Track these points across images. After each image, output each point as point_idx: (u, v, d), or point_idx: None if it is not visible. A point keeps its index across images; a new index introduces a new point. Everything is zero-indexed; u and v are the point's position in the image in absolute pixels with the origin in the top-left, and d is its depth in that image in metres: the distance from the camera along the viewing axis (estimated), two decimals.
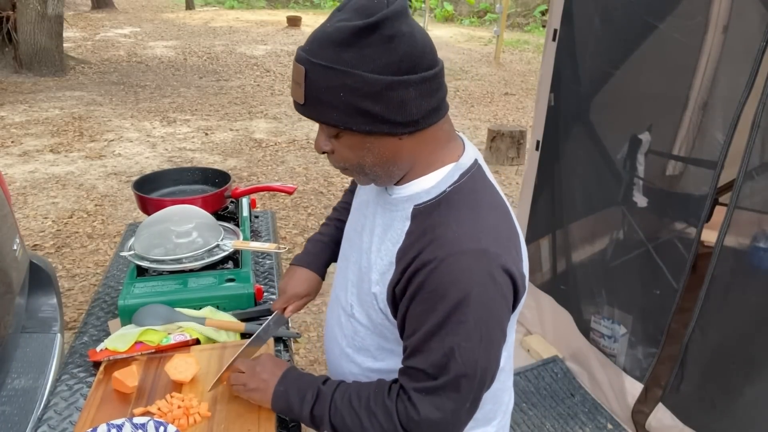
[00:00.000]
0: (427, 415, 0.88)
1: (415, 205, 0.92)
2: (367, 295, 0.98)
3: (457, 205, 0.89)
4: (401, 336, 0.94)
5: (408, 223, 0.92)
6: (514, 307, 0.91)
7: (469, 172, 0.92)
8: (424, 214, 0.91)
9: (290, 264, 1.30)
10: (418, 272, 0.86)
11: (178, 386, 1.17)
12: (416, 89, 0.82)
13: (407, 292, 0.88)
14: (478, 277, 0.83)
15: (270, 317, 1.24)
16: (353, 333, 1.04)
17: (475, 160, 0.95)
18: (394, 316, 0.94)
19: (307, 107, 0.84)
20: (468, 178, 0.92)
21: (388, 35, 0.79)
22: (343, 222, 1.27)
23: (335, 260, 1.29)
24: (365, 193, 1.07)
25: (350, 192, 1.33)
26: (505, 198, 0.97)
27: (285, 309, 1.24)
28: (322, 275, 1.29)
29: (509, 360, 1.08)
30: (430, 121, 0.87)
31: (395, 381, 0.95)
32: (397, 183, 0.95)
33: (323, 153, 0.92)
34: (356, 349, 1.05)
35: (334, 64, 0.79)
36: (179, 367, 1.17)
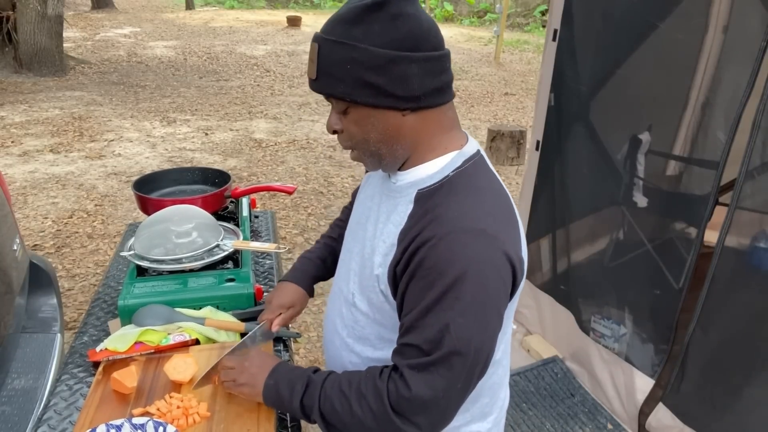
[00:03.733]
0: (418, 392, 0.88)
1: (419, 190, 0.95)
2: (369, 279, 1.00)
3: (458, 188, 0.92)
4: (399, 316, 0.95)
5: (411, 206, 0.95)
6: (512, 293, 0.92)
7: (471, 160, 0.95)
8: (426, 198, 0.94)
9: (278, 281, 1.31)
10: (418, 250, 0.88)
11: (177, 386, 1.17)
12: (419, 66, 0.86)
13: (407, 270, 0.90)
14: (476, 256, 0.85)
15: (256, 327, 1.23)
16: (354, 322, 1.05)
17: (478, 150, 0.98)
18: (394, 296, 0.96)
19: (318, 81, 0.90)
20: (471, 165, 0.95)
21: (393, 13, 0.85)
22: (333, 239, 1.33)
23: (323, 278, 1.33)
24: (371, 187, 1.10)
25: (347, 208, 1.35)
26: (506, 187, 0.99)
27: (272, 323, 1.24)
28: (308, 290, 1.30)
29: (506, 356, 1.09)
30: (433, 101, 0.91)
31: (386, 366, 0.95)
32: (401, 168, 0.98)
33: (334, 132, 0.97)
34: (356, 338, 1.06)
35: (343, 39, 0.86)
36: (178, 368, 1.17)
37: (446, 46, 0.92)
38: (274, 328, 1.23)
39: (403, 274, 0.91)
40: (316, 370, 1.02)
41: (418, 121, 0.92)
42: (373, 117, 0.90)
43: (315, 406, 0.96)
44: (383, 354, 1.03)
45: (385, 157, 0.95)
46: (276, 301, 1.25)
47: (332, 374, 0.99)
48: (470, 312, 0.86)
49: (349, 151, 0.99)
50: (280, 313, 1.24)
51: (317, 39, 0.89)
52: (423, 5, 14.42)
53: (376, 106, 0.89)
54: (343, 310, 1.08)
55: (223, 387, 1.11)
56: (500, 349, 1.03)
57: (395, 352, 0.93)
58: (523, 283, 0.95)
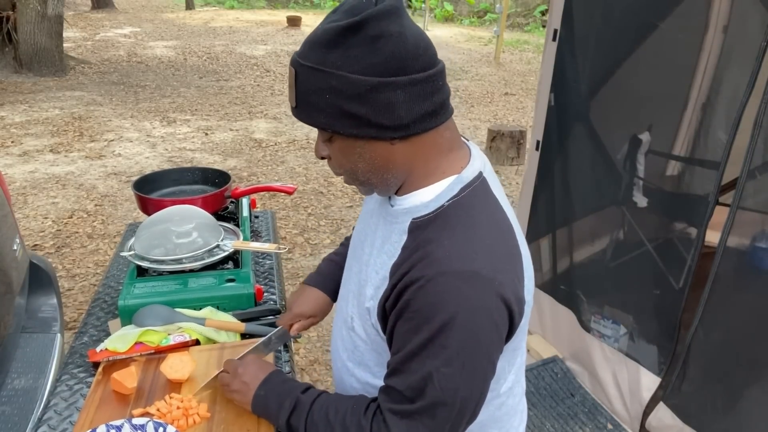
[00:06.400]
0: None
1: (413, 219, 0.88)
2: (362, 309, 0.96)
3: (453, 222, 0.85)
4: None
5: (405, 237, 0.89)
6: (510, 335, 0.87)
7: (470, 186, 0.87)
8: (420, 229, 0.87)
9: (302, 283, 1.29)
10: (406, 290, 0.83)
11: (177, 387, 1.17)
12: (405, 92, 0.79)
13: (395, 309, 0.86)
14: (465, 301, 0.79)
15: (273, 331, 1.23)
16: (353, 347, 1.01)
17: (480, 173, 0.90)
18: (384, 332, 0.92)
19: (298, 110, 0.84)
20: (468, 193, 0.87)
21: (372, 35, 0.77)
22: None
23: None
24: (371, 202, 1.04)
25: None
26: (511, 215, 0.92)
27: (291, 326, 1.23)
28: (333, 295, 1.25)
29: (518, 384, 1.04)
30: (425, 126, 0.83)
31: (375, 399, 0.93)
32: (398, 193, 0.92)
33: (322, 158, 0.91)
34: (356, 363, 1.02)
35: (320, 65, 0.78)
36: (175, 366, 1.17)
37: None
38: (293, 333, 1.21)
39: (392, 311, 0.87)
40: (307, 389, 0.99)
41: (410, 147, 0.84)
42: (359, 147, 0.84)
43: (301, 427, 0.94)
44: (382, 381, 0.99)
45: (376, 185, 0.90)
46: (297, 308, 1.22)
47: (321, 396, 0.97)
48: (457, 361, 0.81)
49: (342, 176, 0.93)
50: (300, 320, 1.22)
51: (294, 64, 0.82)
52: (423, 5, 14.45)
53: (360, 137, 0.82)
54: (343, 332, 1.04)
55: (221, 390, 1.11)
56: (508, 380, 0.98)
57: (381, 391, 0.91)
58: (524, 320, 0.90)
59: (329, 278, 1.26)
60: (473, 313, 0.80)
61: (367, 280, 0.94)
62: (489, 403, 0.93)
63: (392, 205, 0.93)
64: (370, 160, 0.85)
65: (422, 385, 0.82)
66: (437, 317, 0.80)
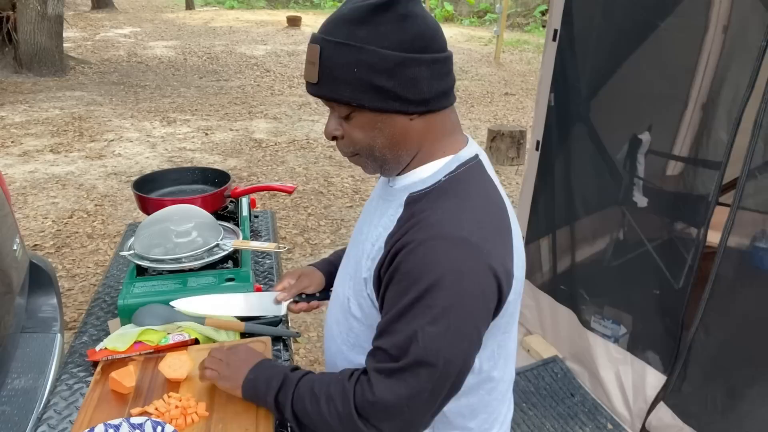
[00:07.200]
0: (382, 397, 0.87)
1: (410, 194, 0.93)
2: (359, 283, 0.98)
3: (447, 194, 0.90)
4: None
5: (401, 210, 0.93)
6: (498, 308, 0.89)
7: (467, 164, 0.93)
8: (415, 202, 0.92)
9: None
10: (398, 254, 0.87)
11: (175, 386, 1.17)
12: (428, 69, 0.84)
13: (387, 274, 0.89)
14: (453, 264, 0.83)
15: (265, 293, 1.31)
16: (348, 329, 1.04)
17: (476, 155, 0.95)
18: (378, 299, 0.95)
19: (320, 86, 0.86)
20: (464, 170, 0.92)
21: (402, 14, 0.82)
22: None
23: None
24: (375, 189, 1.09)
25: None
26: (504, 195, 0.96)
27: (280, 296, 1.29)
28: (326, 273, 1.32)
29: (507, 371, 1.06)
30: (441, 104, 0.89)
31: (359, 369, 0.95)
32: (400, 172, 0.96)
33: (333, 139, 0.93)
34: (350, 345, 1.04)
35: (348, 40, 0.82)
36: (173, 366, 1.17)
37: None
38: (279, 297, 1.27)
39: (385, 276, 0.90)
40: (295, 369, 1.01)
41: (425, 125, 0.89)
42: (379, 122, 0.87)
43: (288, 403, 0.96)
44: None
45: (389, 162, 0.93)
46: (288, 274, 1.30)
47: (309, 374, 0.99)
48: (441, 322, 0.83)
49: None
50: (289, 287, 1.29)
51: (318, 40, 0.85)
52: (423, 5, 14.43)
53: (384, 111, 0.86)
54: (339, 317, 1.07)
55: (205, 377, 1.10)
56: (498, 365, 1.00)
57: (368, 354, 0.93)
58: (513, 296, 0.91)
59: (328, 262, 1.33)
60: (460, 276, 0.83)
61: (363, 253, 0.98)
62: (480, 386, 0.95)
63: (391, 186, 0.98)
64: (389, 135, 0.89)
65: (407, 343, 0.85)
66: (424, 278, 0.83)
